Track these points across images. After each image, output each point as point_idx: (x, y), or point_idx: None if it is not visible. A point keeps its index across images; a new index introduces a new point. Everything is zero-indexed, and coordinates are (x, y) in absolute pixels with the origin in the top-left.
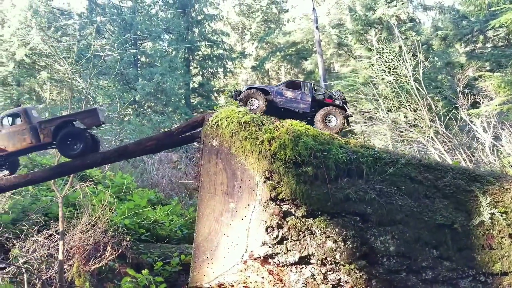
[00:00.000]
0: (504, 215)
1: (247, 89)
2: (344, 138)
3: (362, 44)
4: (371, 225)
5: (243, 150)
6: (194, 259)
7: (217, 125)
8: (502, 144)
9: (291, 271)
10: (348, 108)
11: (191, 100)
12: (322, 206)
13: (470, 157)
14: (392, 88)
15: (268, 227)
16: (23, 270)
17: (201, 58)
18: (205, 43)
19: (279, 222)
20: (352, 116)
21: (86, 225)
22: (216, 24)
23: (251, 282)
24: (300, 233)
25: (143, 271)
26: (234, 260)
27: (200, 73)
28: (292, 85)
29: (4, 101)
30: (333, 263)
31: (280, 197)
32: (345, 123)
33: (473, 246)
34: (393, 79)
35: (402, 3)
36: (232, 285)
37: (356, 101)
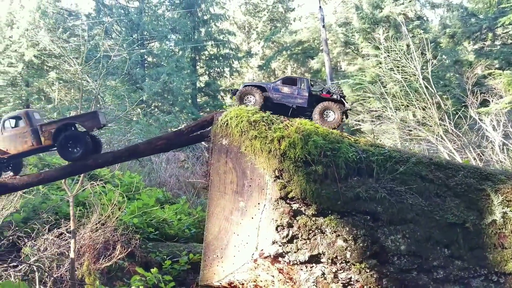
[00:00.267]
0: None
1: (243, 87)
2: (353, 137)
3: (369, 43)
4: (382, 224)
5: (252, 149)
6: (204, 258)
7: (227, 124)
8: None
9: (301, 269)
10: (347, 102)
11: (198, 100)
12: (332, 205)
13: (480, 156)
14: (400, 87)
15: (278, 225)
16: (35, 268)
17: (207, 58)
18: (211, 42)
19: (289, 221)
20: (350, 109)
21: (96, 224)
22: (223, 23)
23: (261, 281)
24: (310, 232)
25: (152, 270)
26: (244, 259)
27: (207, 72)
28: (289, 81)
29: (13, 101)
30: (344, 262)
31: (290, 196)
32: (344, 117)
33: (485, 245)
34: (402, 78)
35: (410, 1)
36: (242, 284)
37: (364, 99)
